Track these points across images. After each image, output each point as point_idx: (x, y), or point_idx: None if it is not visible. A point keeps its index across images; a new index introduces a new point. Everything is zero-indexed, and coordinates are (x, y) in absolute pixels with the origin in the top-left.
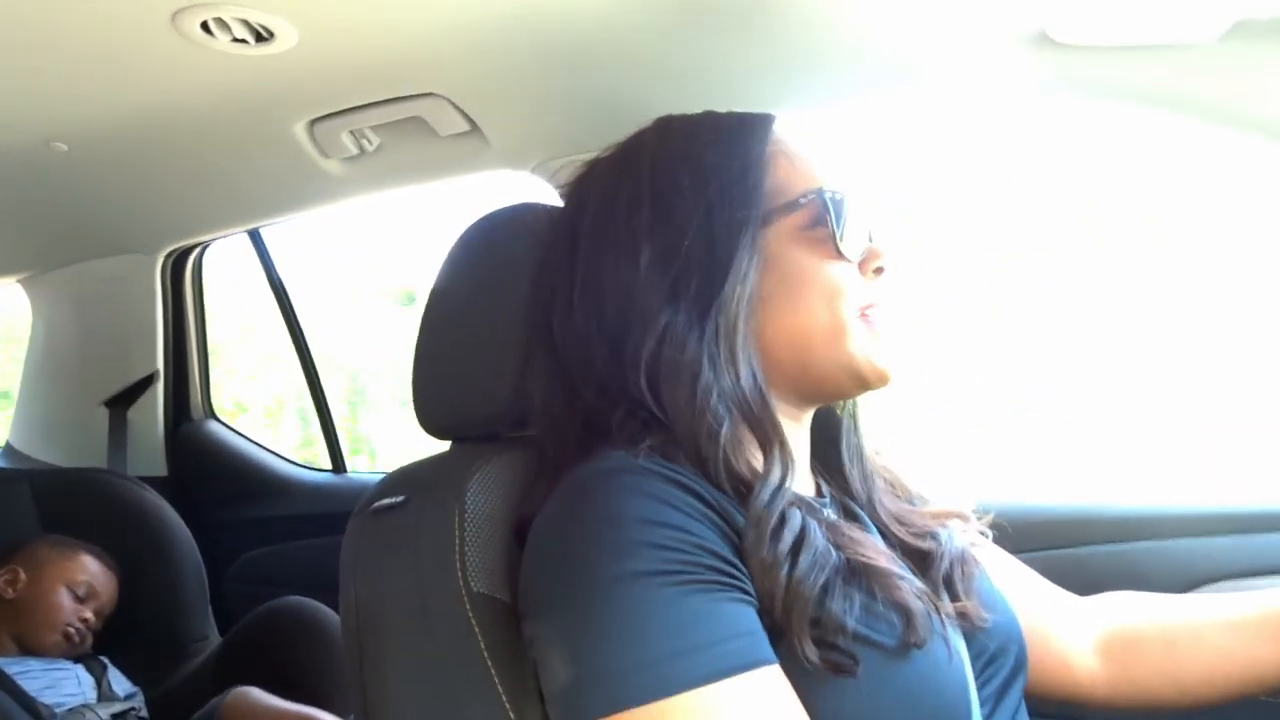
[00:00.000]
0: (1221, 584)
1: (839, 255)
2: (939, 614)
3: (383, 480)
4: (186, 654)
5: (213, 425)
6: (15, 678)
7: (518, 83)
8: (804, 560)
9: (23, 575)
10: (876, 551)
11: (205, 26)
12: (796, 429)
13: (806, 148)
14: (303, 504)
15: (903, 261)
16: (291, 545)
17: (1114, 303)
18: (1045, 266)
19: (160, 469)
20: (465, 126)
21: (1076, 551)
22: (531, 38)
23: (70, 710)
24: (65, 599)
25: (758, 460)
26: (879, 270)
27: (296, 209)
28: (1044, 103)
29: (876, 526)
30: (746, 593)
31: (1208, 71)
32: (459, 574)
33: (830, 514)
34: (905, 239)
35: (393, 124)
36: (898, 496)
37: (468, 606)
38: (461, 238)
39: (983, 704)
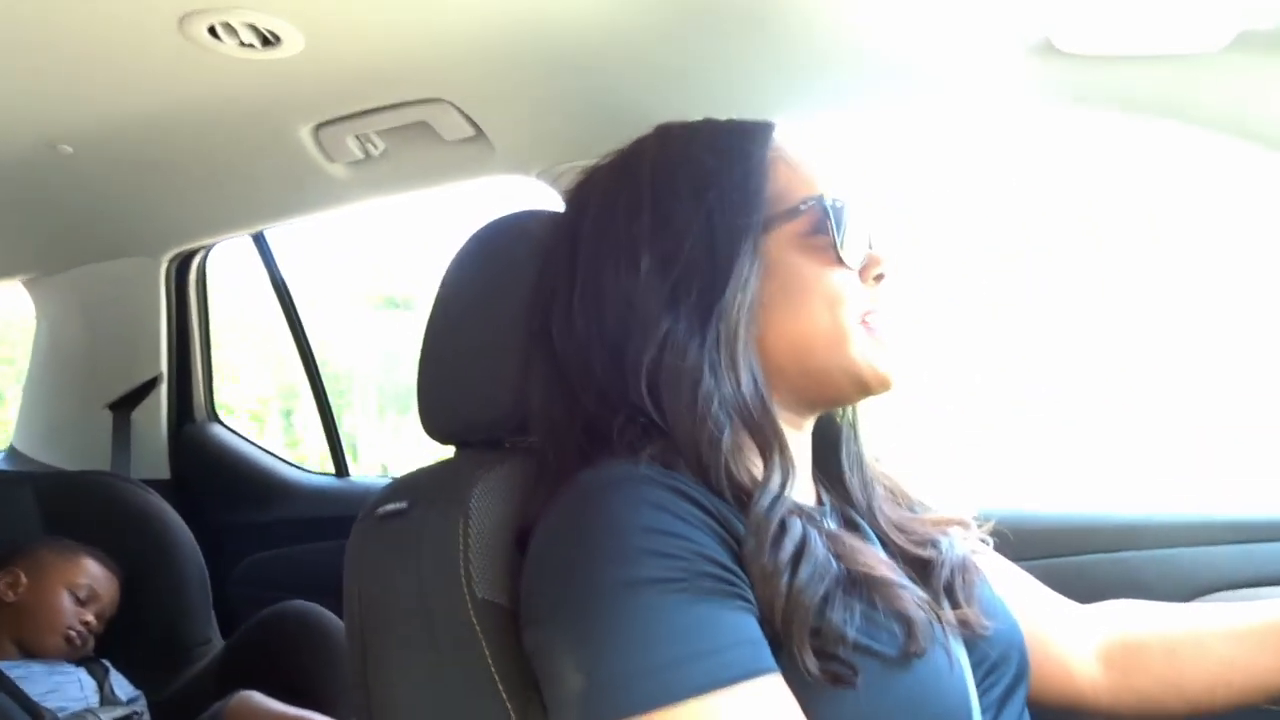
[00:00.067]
0: (1224, 593)
1: (839, 262)
2: (940, 623)
3: (387, 486)
4: (189, 658)
5: (216, 428)
6: (17, 681)
7: (523, 88)
8: (804, 570)
9: (24, 578)
10: (876, 561)
11: (212, 31)
12: (798, 436)
13: (806, 154)
14: (305, 507)
15: (903, 268)
16: (294, 549)
17: (1114, 303)
18: (1045, 267)
19: (163, 472)
20: (470, 132)
21: (1078, 560)
22: (536, 44)
23: (73, 714)
24: (66, 602)
25: (758, 467)
26: (879, 277)
27: (301, 213)
28: (1047, 110)
29: (877, 535)
30: (748, 600)
31: (1211, 81)
32: (463, 580)
33: (830, 523)
34: (905, 243)
35: (398, 129)
36: (898, 504)
37: (471, 612)
38: (466, 244)
39: (984, 712)
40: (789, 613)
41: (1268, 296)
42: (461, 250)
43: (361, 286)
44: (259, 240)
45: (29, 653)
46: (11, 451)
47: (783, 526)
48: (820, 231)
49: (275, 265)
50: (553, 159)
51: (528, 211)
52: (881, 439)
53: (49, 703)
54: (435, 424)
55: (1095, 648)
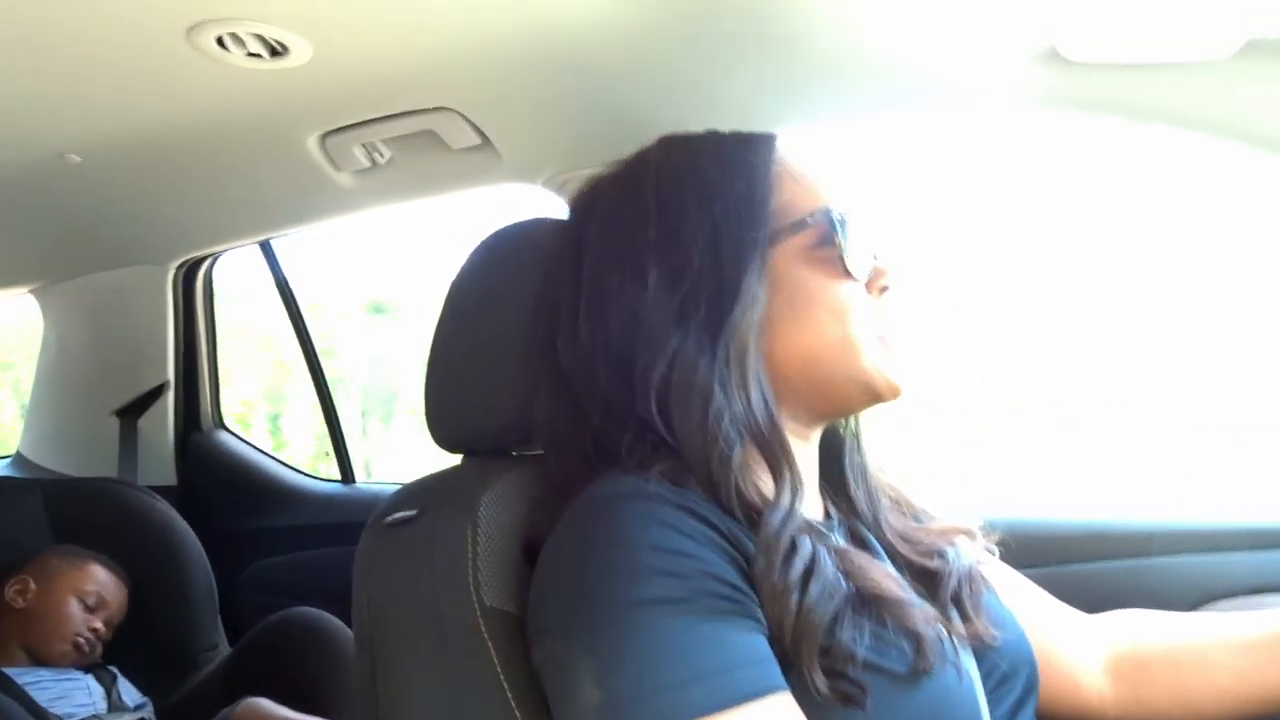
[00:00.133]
0: (1232, 600)
1: (846, 274)
2: (950, 637)
3: (396, 493)
4: (196, 664)
5: (222, 435)
6: (26, 688)
7: (529, 97)
8: (814, 589)
9: (33, 585)
10: (886, 578)
11: (220, 41)
12: (805, 448)
13: (810, 165)
14: (312, 514)
15: (909, 277)
16: (301, 555)
17: (1114, 302)
18: (1044, 267)
19: (170, 479)
20: (477, 140)
21: (1084, 567)
22: (543, 52)
23: None
24: (75, 609)
25: (767, 484)
26: (884, 289)
27: (308, 221)
28: (1052, 117)
29: (883, 546)
30: (757, 619)
31: (1218, 90)
32: (472, 588)
33: (838, 538)
34: (909, 251)
35: (405, 137)
36: (903, 514)
37: (480, 620)
38: (473, 251)
39: None
40: (799, 631)
41: (1269, 298)
42: (469, 258)
43: (348, 291)
44: (265, 248)
45: (38, 659)
46: (18, 458)
47: (793, 545)
48: (826, 244)
49: (282, 273)
50: (559, 167)
51: (534, 219)
52: (884, 444)
53: (57, 709)
54: (443, 432)
55: (1102, 660)
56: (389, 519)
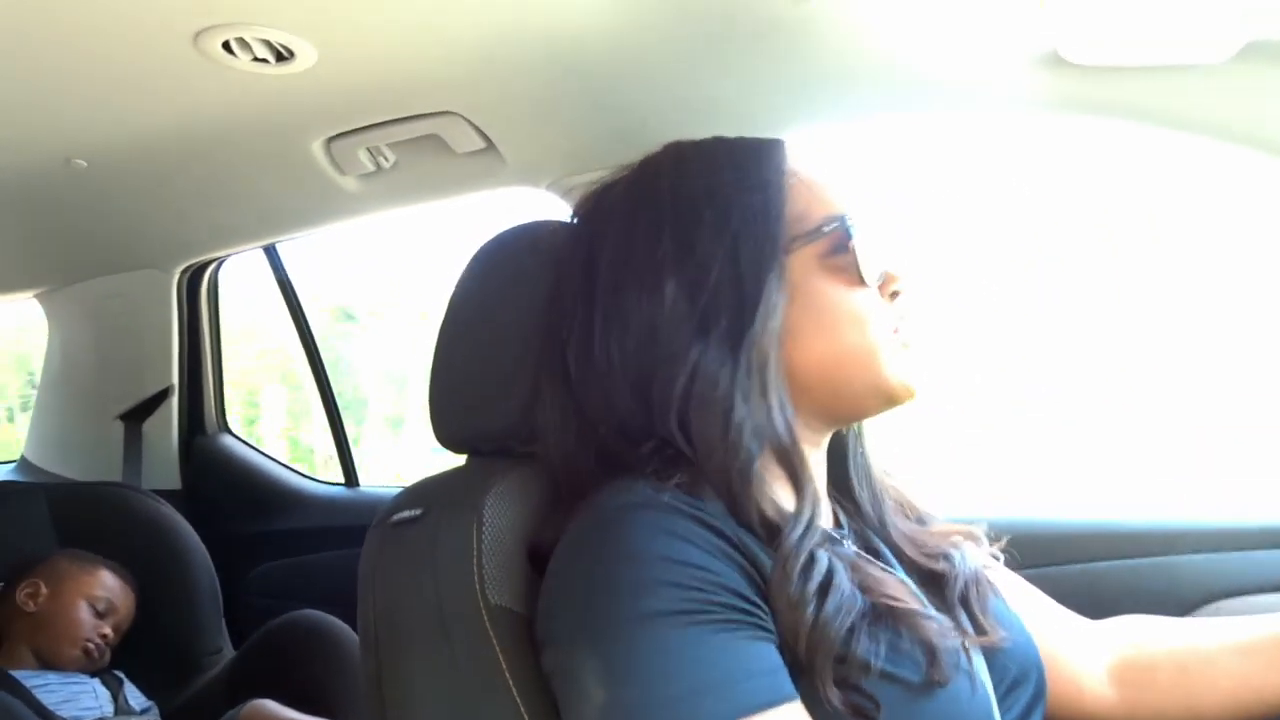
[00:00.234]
0: (1233, 600)
1: (861, 281)
2: (964, 646)
3: (400, 493)
4: (200, 667)
5: (226, 439)
6: (34, 691)
7: (533, 101)
8: (830, 603)
9: (44, 589)
10: (900, 591)
11: (227, 46)
12: (815, 454)
13: (821, 173)
14: (315, 517)
15: (921, 281)
16: (305, 558)
17: (1114, 303)
18: (1044, 267)
19: (174, 482)
20: (481, 144)
21: (1085, 567)
22: (547, 56)
23: None
24: (85, 614)
25: (783, 495)
26: (895, 294)
27: (312, 225)
28: (1054, 120)
29: (889, 548)
30: (767, 630)
31: (1218, 93)
32: (477, 586)
33: (850, 546)
34: (921, 256)
35: (409, 141)
36: (907, 516)
37: (485, 618)
38: (476, 254)
39: None
40: (813, 643)
41: (1269, 298)
42: (472, 259)
43: (319, 298)
44: (271, 255)
45: (46, 663)
46: (23, 462)
47: (811, 558)
48: (840, 251)
49: (287, 277)
50: (563, 171)
51: (537, 221)
52: (885, 446)
53: (64, 713)
54: (446, 433)
55: (1106, 666)
56: (394, 519)
